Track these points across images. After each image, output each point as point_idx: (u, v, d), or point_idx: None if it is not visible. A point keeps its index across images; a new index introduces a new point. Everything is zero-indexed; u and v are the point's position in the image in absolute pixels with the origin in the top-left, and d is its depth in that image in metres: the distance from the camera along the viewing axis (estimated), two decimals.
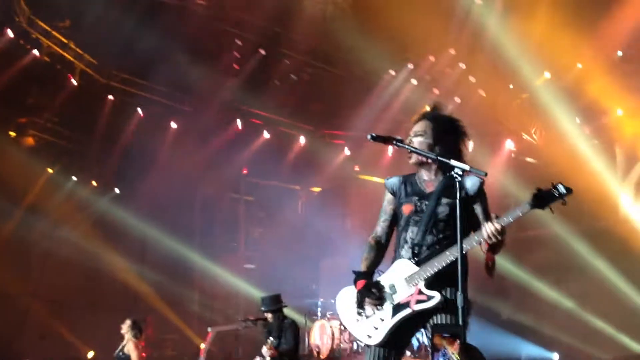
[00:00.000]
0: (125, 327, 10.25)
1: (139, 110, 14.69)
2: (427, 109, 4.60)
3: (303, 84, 15.43)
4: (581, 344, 13.19)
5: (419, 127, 4.50)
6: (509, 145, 15.15)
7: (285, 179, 17.20)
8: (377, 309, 4.31)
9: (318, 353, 11.94)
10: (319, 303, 13.03)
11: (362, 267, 4.49)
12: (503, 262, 14.32)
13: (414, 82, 15.01)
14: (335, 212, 16.17)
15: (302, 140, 16.31)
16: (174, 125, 15.19)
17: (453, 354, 3.78)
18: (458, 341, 3.84)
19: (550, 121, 13.66)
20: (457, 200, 3.87)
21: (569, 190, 3.90)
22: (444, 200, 4.35)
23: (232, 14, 14.03)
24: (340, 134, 16.15)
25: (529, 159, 14.85)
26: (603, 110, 13.57)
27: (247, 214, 17.79)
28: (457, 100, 15.01)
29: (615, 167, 13.84)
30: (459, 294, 3.80)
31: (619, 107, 13.43)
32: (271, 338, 8.18)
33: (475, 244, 4.10)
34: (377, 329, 4.29)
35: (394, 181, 4.62)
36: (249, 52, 14.71)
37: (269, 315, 8.74)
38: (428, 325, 4.27)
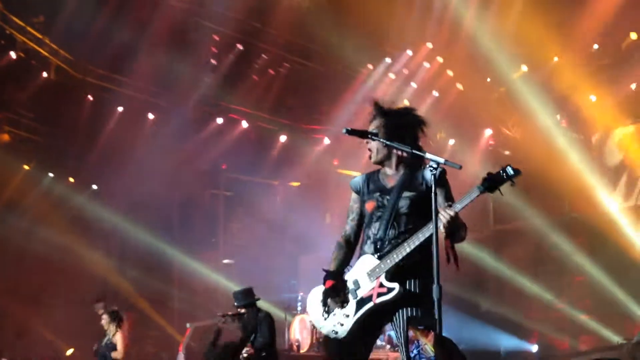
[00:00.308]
0: (106, 320, 10.17)
1: (119, 108, 14.58)
2: (376, 106, 4.59)
3: (281, 78, 15.41)
4: (560, 335, 13.32)
5: (373, 125, 4.53)
6: (487, 138, 15.23)
7: (264, 174, 17.17)
8: (342, 306, 4.38)
9: (298, 347, 11.95)
10: (299, 297, 13.05)
11: (331, 267, 4.55)
12: (482, 254, 14.44)
13: (392, 76, 15.04)
14: (314, 207, 16.17)
15: (281, 135, 16.28)
16: (151, 120, 15.11)
17: (427, 345, 3.80)
18: (432, 333, 3.86)
19: (527, 114, 13.74)
20: (433, 194, 3.92)
21: (517, 171, 3.95)
22: (405, 194, 4.39)
23: (208, 8, 13.97)
24: (319, 129, 16.14)
25: (506, 152, 14.94)
26: (579, 102, 13.67)
27: (226, 210, 17.73)
28: (435, 94, 15.07)
29: (591, 157, 13.96)
30: (434, 286, 3.84)
31: (597, 99, 13.54)
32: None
33: (431, 231, 4.06)
34: (342, 324, 4.38)
35: (357, 180, 4.69)
36: (227, 47, 14.66)
37: (242, 310, 8.66)
38: (394, 319, 4.31)
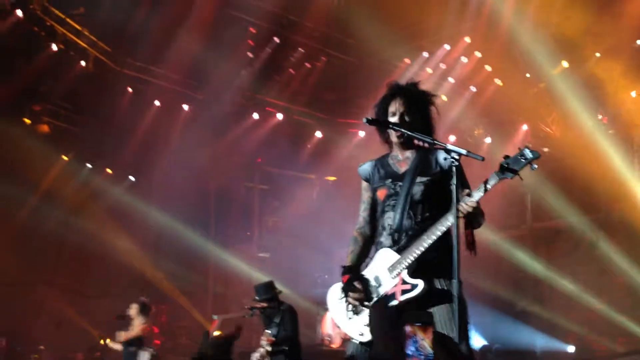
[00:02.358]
0: (134, 311, 10.24)
1: (156, 101, 14.66)
2: (394, 85, 4.39)
3: (317, 72, 15.36)
4: (597, 336, 13.09)
5: (392, 107, 4.31)
6: (524, 134, 15.00)
7: (300, 168, 17.15)
8: (365, 305, 4.16)
9: (330, 342, 11.90)
10: None
11: (347, 262, 4.35)
12: (518, 252, 14.27)
13: (429, 70, 14.89)
14: (350, 202, 16.05)
15: (317, 129, 16.24)
16: (188, 112, 15.17)
17: (424, 340, 3.69)
18: (431, 329, 3.74)
19: (567, 111, 13.51)
20: (454, 186, 3.73)
21: (535, 154, 3.74)
22: (419, 179, 4.18)
23: (245, 0, 13.98)
24: (354, 123, 16.05)
25: (545, 149, 14.71)
26: (620, 100, 13.41)
27: (262, 203, 17.76)
28: (473, 89, 14.88)
29: (632, 156, 13.69)
30: (454, 281, 3.67)
31: (636, 95, 13.28)
32: (267, 330, 8.11)
33: (450, 223, 3.91)
34: (367, 325, 4.16)
35: (366, 167, 4.47)
36: (263, 40, 14.65)
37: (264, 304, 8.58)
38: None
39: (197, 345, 14.17)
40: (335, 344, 11.82)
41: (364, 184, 4.47)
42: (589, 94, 13.18)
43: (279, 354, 7.93)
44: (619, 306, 13.00)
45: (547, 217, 14.73)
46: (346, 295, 4.21)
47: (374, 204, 4.40)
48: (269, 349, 7.87)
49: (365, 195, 4.46)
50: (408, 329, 3.81)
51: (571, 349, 13.36)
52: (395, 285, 4.09)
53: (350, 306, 4.22)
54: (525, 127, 14.84)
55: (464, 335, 3.93)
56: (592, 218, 13.86)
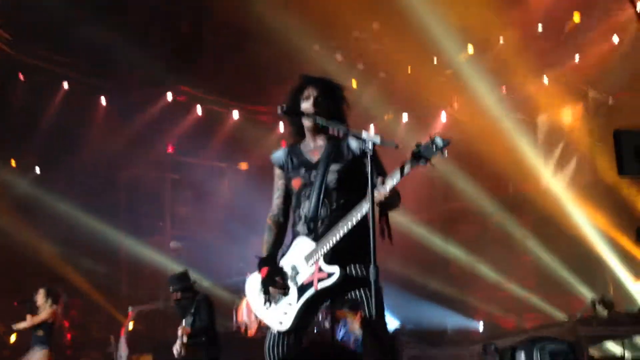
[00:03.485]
0: (41, 296, 9.95)
1: (64, 84, 14.24)
2: (306, 77, 4.46)
3: (230, 60, 15.24)
4: (505, 313, 13.56)
5: (304, 96, 4.36)
6: (436, 119, 15.30)
7: (212, 156, 17.02)
8: (284, 295, 4.22)
9: (246, 330, 11.90)
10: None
11: (263, 252, 4.40)
12: (429, 235, 14.58)
13: (339, 57, 14.98)
14: (263, 190, 16.04)
15: (230, 117, 16.15)
16: (96, 101, 14.81)
17: (353, 323, 3.79)
18: (360, 312, 3.82)
19: (473, 96, 13.84)
20: (369, 174, 3.79)
21: (445, 142, 3.84)
22: (332, 167, 4.24)
23: None
24: (266, 111, 16.02)
25: (453, 134, 15.06)
26: (524, 85, 13.83)
27: (174, 193, 17.55)
28: (383, 75, 15.05)
29: (537, 139, 14.18)
30: (371, 267, 3.72)
31: (540, 80, 13.73)
32: (183, 321, 8.05)
33: (366, 210, 3.97)
34: (286, 314, 4.21)
35: (279, 155, 4.50)
36: (175, 27, 14.43)
37: (178, 294, 8.49)
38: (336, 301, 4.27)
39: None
40: (251, 332, 11.84)
41: (277, 171, 4.50)
42: (494, 79, 13.55)
43: (197, 345, 7.87)
44: (526, 284, 13.49)
45: (456, 199, 15.10)
46: (266, 290, 4.26)
47: (287, 191, 4.45)
48: (186, 340, 7.80)
49: (279, 183, 4.49)
50: (337, 313, 3.89)
51: (480, 326, 13.79)
52: (313, 274, 4.14)
53: (268, 297, 4.26)
54: (441, 113, 15.12)
55: (381, 319, 4.01)
56: (500, 199, 14.29)
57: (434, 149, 3.83)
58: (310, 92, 4.35)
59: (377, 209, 3.93)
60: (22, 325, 9.95)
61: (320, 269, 4.12)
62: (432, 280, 14.75)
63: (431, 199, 15.47)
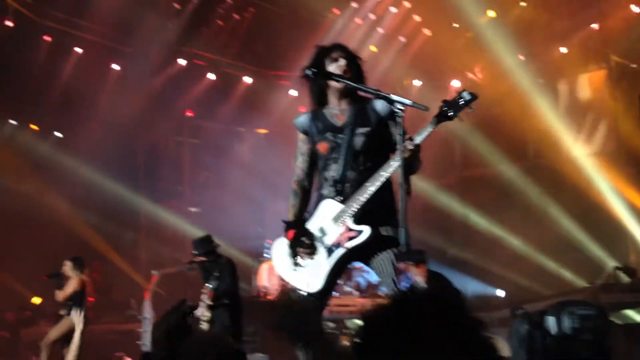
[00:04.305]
0: (68, 267, 10.08)
1: (78, 49, 14.21)
2: (342, 47, 4.40)
3: (246, 23, 15.14)
4: (526, 280, 13.50)
5: (335, 54, 4.32)
6: (455, 84, 15.17)
7: (231, 121, 17.00)
8: (312, 256, 4.19)
9: (265, 294, 11.98)
10: (266, 244, 13.02)
11: (289, 216, 4.37)
12: (449, 200, 14.53)
13: (359, 21, 14.85)
14: (281, 154, 16.02)
15: (247, 81, 16.08)
16: (115, 66, 14.80)
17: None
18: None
19: (494, 60, 13.69)
20: (399, 137, 3.81)
21: (473, 96, 3.85)
22: (359, 130, 4.21)
23: None
24: (284, 75, 15.94)
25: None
26: (547, 49, 13.65)
27: (192, 157, 17.58)
28: (402, 39, 14.92)
29: (559, 105, 14.01)
30: (400, 229, 3.74)
31: (562, 45, 13.53)
32: (207, 284, 8.09)
33: (394, 168, 3.98)
34: (315, 275, 4.19)
35: (304, 119, 4.44)
36: None
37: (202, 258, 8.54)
38: (373, 264, 4.20)
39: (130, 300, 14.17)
40: (271, 296, 11.92)
41: (301, 136, 4.46)
42: (515, 43, 13.37)
43: (220, 307, 7.93)
44: (547, 250, 13.42)
45: (476, 165, 15.01)
46: (295, 251, 4.22)
47: (313, 156, 4.40)
48: (210, 303, 7.85)
49: (304, 147, 4.44)
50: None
51: (501, 293, 13.77)
52: (341, 234, 4.13)
53: (296, 260, 4.23)
54: (454, 80, 14.97)
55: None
56: (518, 165, 14.18)
57: (462, 103, 3.84)
58: (339, 55, 4.31)
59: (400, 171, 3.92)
60: (60, 296, 10.03)
61: (349, 229, 4.11)
62: (452, 245, 14.75)
63: (450, 164, 15.38)
